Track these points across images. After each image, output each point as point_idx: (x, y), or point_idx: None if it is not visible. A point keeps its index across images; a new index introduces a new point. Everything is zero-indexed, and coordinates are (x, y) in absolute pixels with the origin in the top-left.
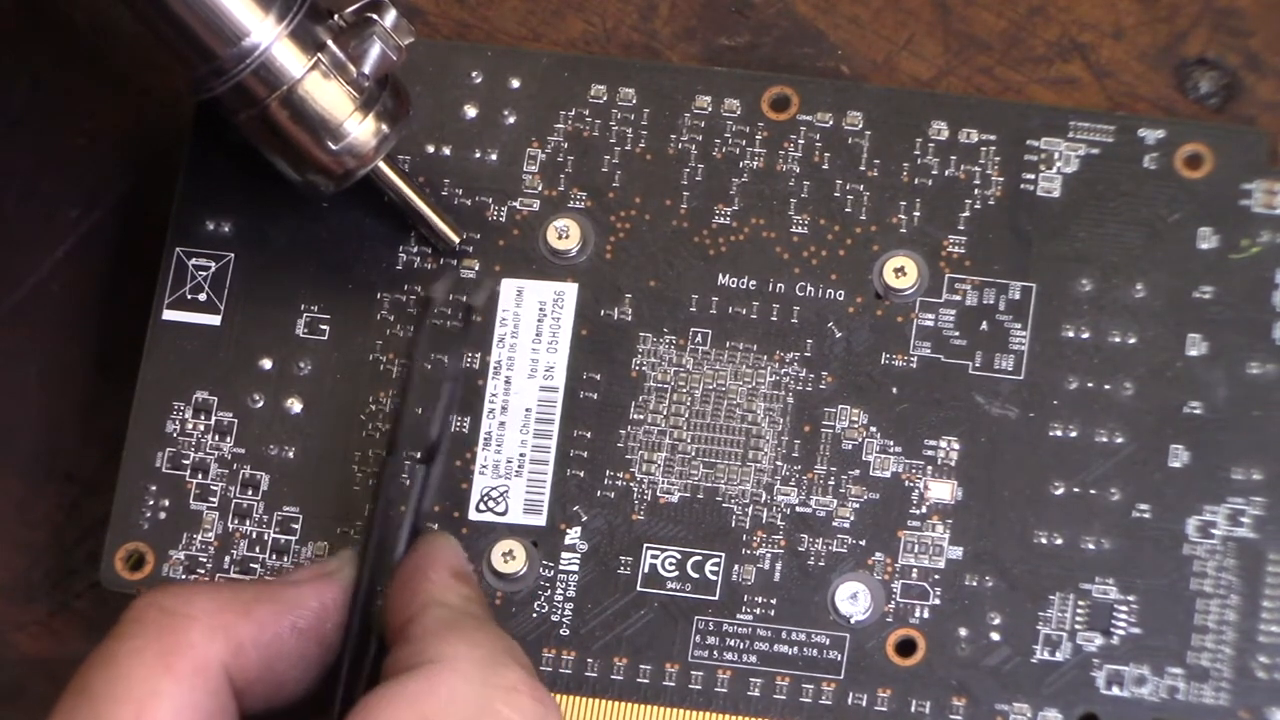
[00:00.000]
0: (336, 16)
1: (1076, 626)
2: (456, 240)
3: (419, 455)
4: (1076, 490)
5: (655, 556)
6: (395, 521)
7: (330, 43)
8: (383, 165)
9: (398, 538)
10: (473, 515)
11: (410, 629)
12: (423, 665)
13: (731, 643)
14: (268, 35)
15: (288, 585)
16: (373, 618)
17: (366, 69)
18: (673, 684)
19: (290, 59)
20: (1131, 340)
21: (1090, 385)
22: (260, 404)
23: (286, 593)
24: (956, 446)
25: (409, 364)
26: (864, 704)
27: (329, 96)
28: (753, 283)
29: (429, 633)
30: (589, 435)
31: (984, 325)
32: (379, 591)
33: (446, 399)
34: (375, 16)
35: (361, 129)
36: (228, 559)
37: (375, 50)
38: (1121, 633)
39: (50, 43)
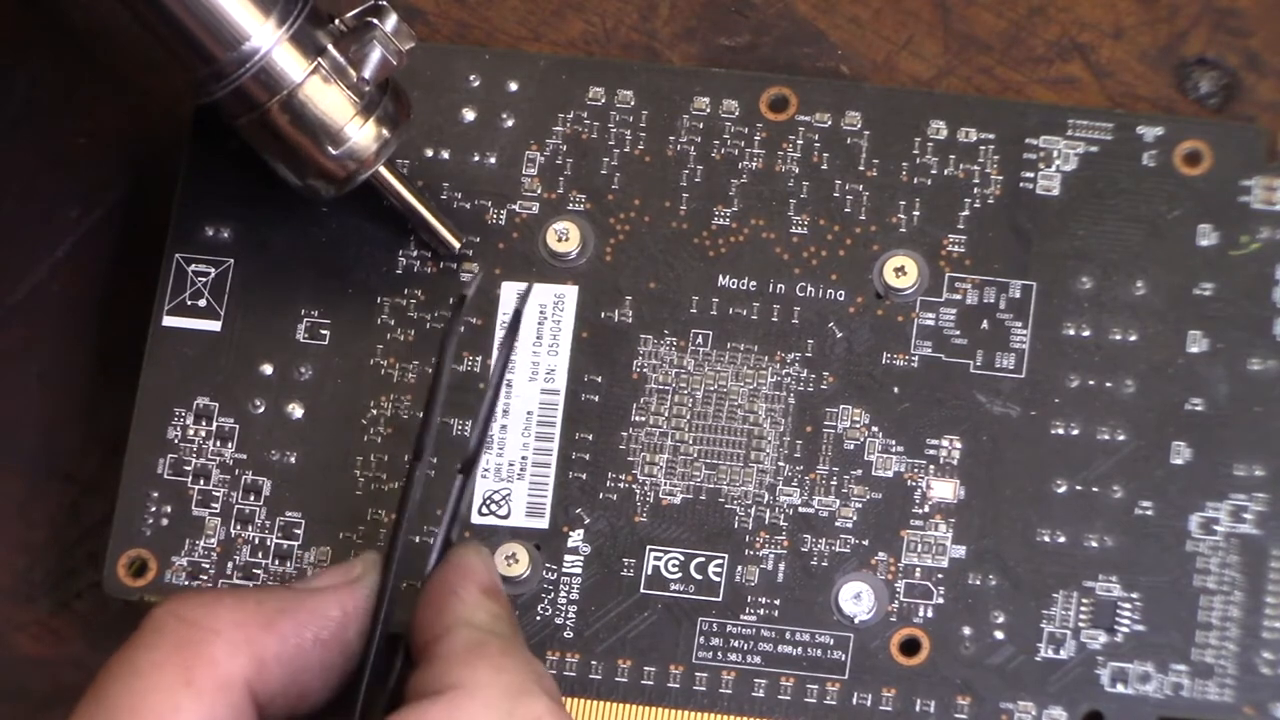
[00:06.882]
0: (337, 21)
1: (1080, 624)
2: (456, 244)
3: (458, 465)
4: (1079, 488)
5: (658, 558)
6: (417, 526)
7: (331, 47)
8: (383, 169)
9: (430, 547)
10: (475, 519)
11: (436, 648)
12: (446, 691)
13: (735, 644)
14: (268, 39)
15: (310, 593)
16: (393, 623)
17: (367, 73)
18: (677, 685)
19: (291, 63)
20: (1132, 337)
21: (1091, 383)
22: (261, 409)
23: (309, 602)
24: (958, 445)
25: (438, 365)
26: (868, 704)
27: (329, 101)
28: (753, 283)
29: (454, 655)
30: (591, 438)
31: (984, 324)
32: (402, 594)
33: (486, 408)
34: (375, 21)
35: (362, 133)
36: (230, 565)
37: (376, 55)
38: (1125, 630)
39: (50, 43)
